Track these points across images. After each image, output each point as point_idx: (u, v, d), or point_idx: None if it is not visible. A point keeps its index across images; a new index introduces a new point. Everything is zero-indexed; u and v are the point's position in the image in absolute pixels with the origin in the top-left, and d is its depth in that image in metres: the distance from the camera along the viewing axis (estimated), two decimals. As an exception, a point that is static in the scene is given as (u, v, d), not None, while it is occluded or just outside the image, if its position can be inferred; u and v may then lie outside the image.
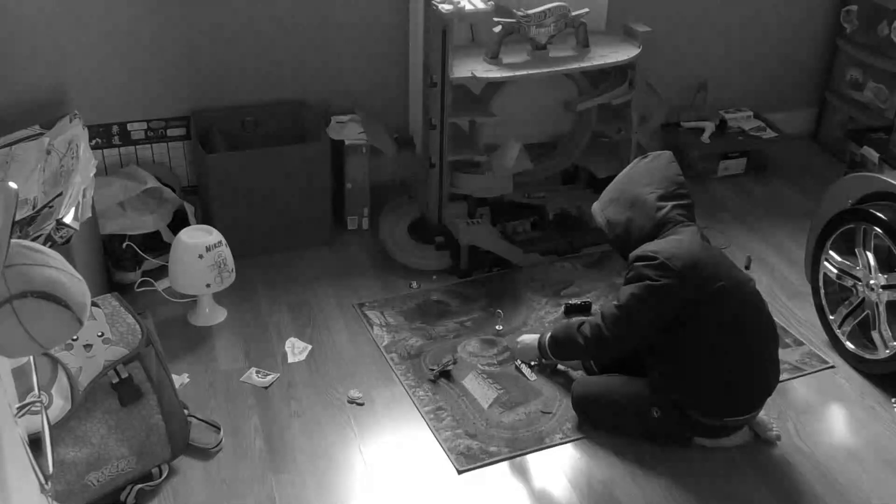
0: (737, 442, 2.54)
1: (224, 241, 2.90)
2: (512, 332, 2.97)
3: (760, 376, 2.45)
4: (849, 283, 2.86)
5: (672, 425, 2.48)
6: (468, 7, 2.96)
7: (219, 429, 2.53)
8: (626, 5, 3.63)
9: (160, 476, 2.37)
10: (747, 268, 3.34)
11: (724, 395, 2.41)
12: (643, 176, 2.53)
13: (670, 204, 2.46)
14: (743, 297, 2.40)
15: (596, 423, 2.59)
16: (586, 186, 3.59)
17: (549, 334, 2.63)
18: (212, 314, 3.00)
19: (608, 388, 2.59)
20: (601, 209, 2.58)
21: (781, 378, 2.77)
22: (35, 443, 1.57)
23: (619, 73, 3.30)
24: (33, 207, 2.62)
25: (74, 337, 2.21)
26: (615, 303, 2.41)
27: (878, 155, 3.68)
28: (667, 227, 2.43)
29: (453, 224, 3.25)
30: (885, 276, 2.72)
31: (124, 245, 3.09)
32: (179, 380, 2.70)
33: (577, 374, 2.75)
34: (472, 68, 3.04)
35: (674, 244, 2.37)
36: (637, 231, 2.46)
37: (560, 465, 2.49)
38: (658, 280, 2.31)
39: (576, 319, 2.57)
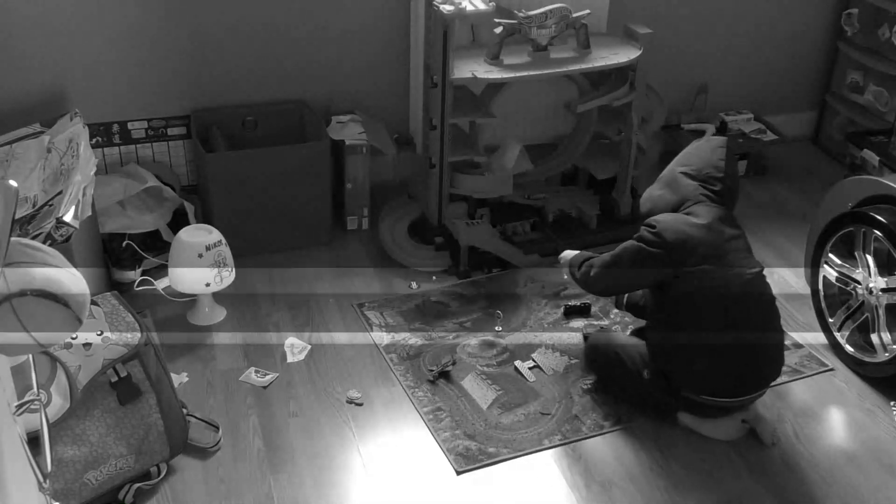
0: (721, 434, 2.56)
1: (224, 241, 2.90)
2: (511, 333, 2.97)
3: (746, 365, 2.47)
4: (848, 286, 2.86)
5: (658, 391, 2.55)
6: (469, 8, 2.96)
7: (217, 428, 2.53)
8: (627, 7, 3.63)
9: (158, 475, 2.37)
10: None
11: (704, 373, 2.47)
12: (686, 157, 2.69)
13: (696, 183, 2.57)
14: (729, 285, 2.43)
15: (599, 374, 2.73)
16: (586, 188, 3.60)
17: (573, 258, 2.74)
18: (211, 313, 3.00)
19: (614, 342, 2.73)
20: (649, 186, 2.73)
21: (781, 380, 2.79)
22: (33, 441, 1.57)
23: (619, 74, 3.30)
24: (33, 206, 2.62)
25: (73, 335, 2.21)
26: (611, 252, 2.57)
27: (878, 158, 3.68)
28: (686, 205, 2.53)
29: (453, 224, 3.25)
30: (885, 279, 2.72)
31: (124, 244, 3.09)
32: (178, 379, 2.70)
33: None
34: (473, 69, 3.04)
35: (677, 219, 2.49)
36: (663, 206, 2.59)
37: (559, 466, 2.49)
38: (649, 245, 2.45)
39: (589, 253, 2.71)
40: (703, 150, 2.68)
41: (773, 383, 2.64)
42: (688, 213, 2.51)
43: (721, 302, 2.44)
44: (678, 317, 2.50)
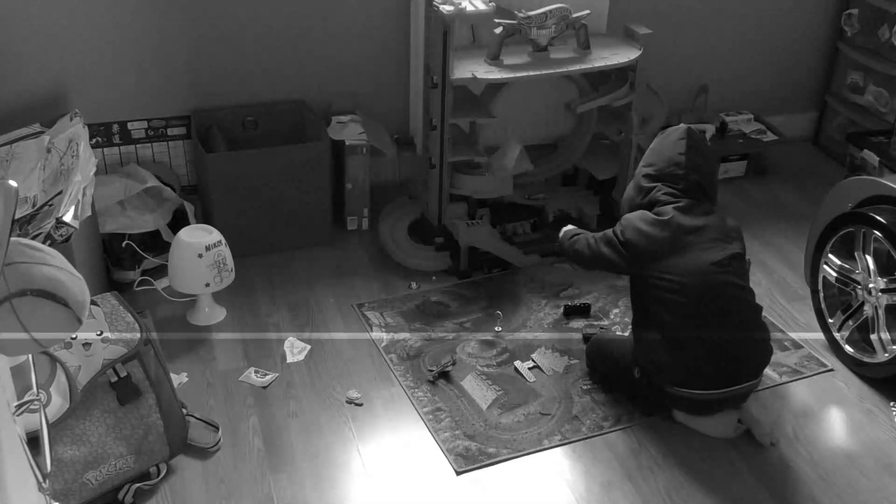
0: (715, 431, 2.56)
1: (224, 241, 2.90)
2: (511, 333, 2.97)
3: (718, 356, 2.48)
4: (848, 286, 2.86)
5: (648, 389, 2.58)
6: (469, 8, 2.96)
7: (217, 428, 2.53)
8: (627, 7, 3.63)
9: (158, 475, 2.37)
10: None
11: (677, 364, 2.49)
12: (650, 154, 2.73)
13: (658, 184, 2.62)
14: (691, 276, 2.47)
15: (598, 373, 2.77)
16: (586, 188, 3.60)
17: (568, 229, 2.87)
18: (211, 313, 3.00)
19: (611, 342, 2.81)
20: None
21: (780, 381, 2.79)
22: (33, 441, 1.57)
23: (619, 74, 3.30)
24: (33, 206, 2.62)
25: (73, 335, 2.21)
26: (596, 234, 2.71)
27: (878, 158, 3.68)
28: (654, 208, 2.60)
29: (453, 225, 3.25)
30: (885, 279, 2.72)
31: (124, 244, 3.08)
32: (178, 379, 2.70)
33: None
34: (473, 69, 3.04)
35: (639, 216, 2.59)
36: (636, 208, 2.66)
37: (558, 467, 2.49)
38: (616, 238, 2.60)
39: (577, 230, 2.84)
40: (663, 146, 2.67)
41: (759, 383, 2.62)
42: (656, 213, 2.58)
43: (684, 294, 2.47)
44: (650, 310, 2.55)
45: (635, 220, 2.58)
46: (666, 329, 2.50)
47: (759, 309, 2.60)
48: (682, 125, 2.70)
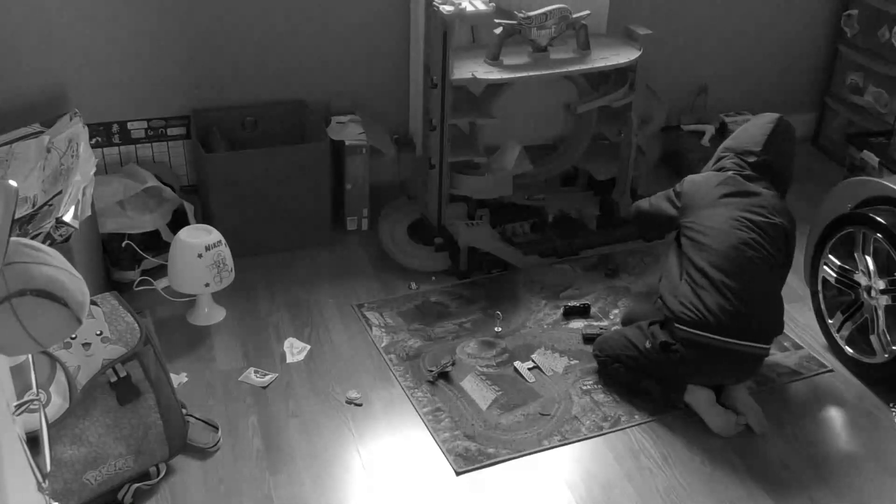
0: (717, 425, 2.57)
1: (223, 241, 2.90)
2: (511, 333, 2.97)
3: (736, 304, 2.52)
4: (848, 287, 2.86)
5: (660, 356, 2.58)
6: (469, 8, 2.96)
7: (217, 428, 2.53)
8: (627, 8, 3.64)
9: (158, 475, 2.37)
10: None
11: (696, 301, 2.54)
12: (736, 133, 2.99)
13: (730, 154, 2.86)
14: (719, 227, 2.63)
15: (606, 357, 2.76)
16: (586, 188, 3.60)
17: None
18: (211, 314, 3.00)
19: (620, 330, 2.87)
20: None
21: (781, 381, 2.80)
22: (33, 441, 1.57)
23: (619, 75, 3.30)
24: (33, 205, 2.62)
25: (73, 335, 2.21)
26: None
27: (877, 159, 3.68)
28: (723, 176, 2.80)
29: (453, 225, 3.25)
30: (884, 280, 2.72)
31: (124, 244, 3.08)
32: (178, 379, 2.70)
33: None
34: (473, 70, 3.04)
35: (698, 177, 2.85)
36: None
37: (558, 467, 2.49)
38: (673, 190, 2.89)
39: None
40: (751, 127, 2.95)
41: (767, 353, 2.63)
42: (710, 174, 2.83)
43: (710, 238, 2.62)
44: (682, 257, 2.68)
45: (695, 175, 2.87)
46: (693, 271, 2.60)
47: (776, 283, 2.68)
48: (773, 114, 2.94)
